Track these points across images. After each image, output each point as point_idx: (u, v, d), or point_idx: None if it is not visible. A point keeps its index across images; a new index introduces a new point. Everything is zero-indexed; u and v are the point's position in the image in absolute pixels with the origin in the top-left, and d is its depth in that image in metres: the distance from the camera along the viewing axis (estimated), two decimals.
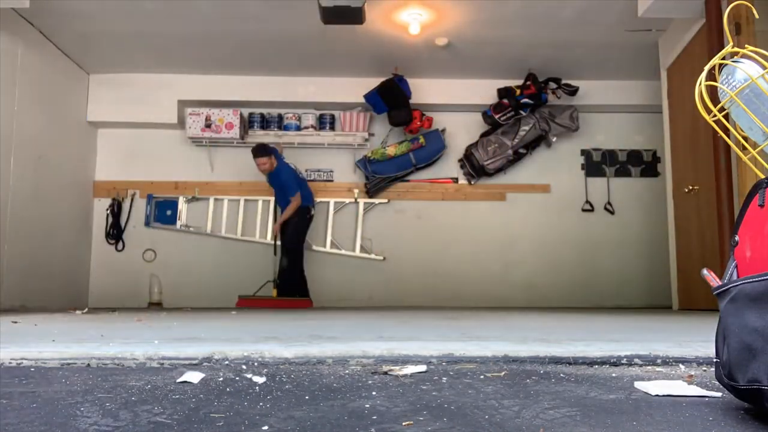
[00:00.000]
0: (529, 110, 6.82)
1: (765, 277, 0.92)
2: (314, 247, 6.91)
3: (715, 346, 1.08)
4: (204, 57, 6.51)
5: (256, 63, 6.66)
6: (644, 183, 7.19)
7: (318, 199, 7.03)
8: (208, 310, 5.31)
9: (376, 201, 7.12)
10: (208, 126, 6.87)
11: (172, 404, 1.09)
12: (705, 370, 1.41)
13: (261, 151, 6.38)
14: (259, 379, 1.30)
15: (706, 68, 1.14)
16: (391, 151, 6.95)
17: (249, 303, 6.14)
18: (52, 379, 1.30)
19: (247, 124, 7.07)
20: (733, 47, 1.16)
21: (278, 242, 6.43)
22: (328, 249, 6.97)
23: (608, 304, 6.74)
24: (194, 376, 1.30)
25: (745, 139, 1.12)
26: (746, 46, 1.13)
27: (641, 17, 5.13)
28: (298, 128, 7.06)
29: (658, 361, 1.49)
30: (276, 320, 3.42)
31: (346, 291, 6.88)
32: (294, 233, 6.37)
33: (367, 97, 6.71)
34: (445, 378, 1.32)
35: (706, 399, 1.13)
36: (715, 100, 1.12)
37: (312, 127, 7.07)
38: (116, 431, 0.94)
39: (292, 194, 6.29)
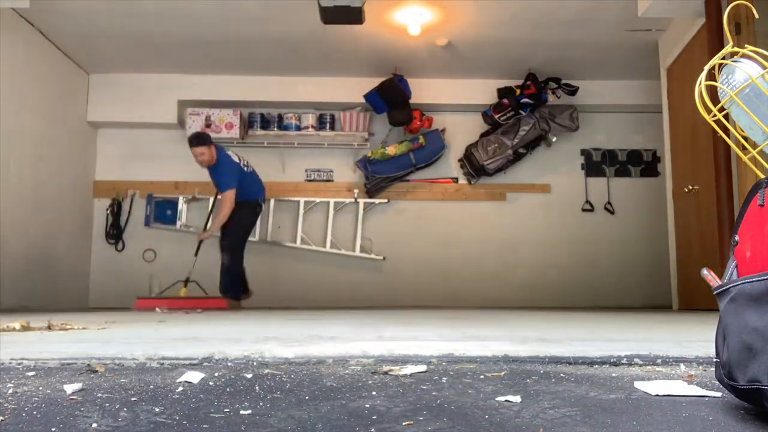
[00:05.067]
0: (529, 110, 6.83)
1: (765, 277, 0.92)
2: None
3: (715, 346, 1.08)
4: (204, 57, 6.51)
5: (256, 63, 6.66)
6: (644, 183, 7.20)
7: (318, 199, 7.04)
8: (208, 310, 5.31)
9: (376, 201, 7.12)
10: (208, 126, 6.87)
11: (172, 404, 1.09)
12: (705, 370, 1.41)
13: (198, 140, 5.60)
14: (259, 379, 1.30)
15: (706, 68, 1.14)
16: (391, 151, 6.95)
17: (150, 303, 5.38)
18: (52, 379, 1.30)
19: (247, 124, 7.07)
20: (733, 47, 1.16)
21: (202, 242, 5.92)
22: (328, 249, 6.97)
23: (608, 304, 6.74)
24: (194, 376, 1.30)
25: (745, 139, 1.11)
26: (746, 46, 1.12)
27: (641, 17, 5.13)
28: (298, 128, 7.07)
29: (658, 361, 1.49)
30: (276, 321, 3.43)
31: (346, 291, 6.88)
32: (238, 229, 5.71)
33: (367, 97, 6.71)
34: (445, 378, 1.32)
35: (706, 399, 1.13)
36: (715, 100, 1.12)
37: (312, 127, 7.07)
38: (116, 431, 0.94)
39: (223, 190, 5.55)
